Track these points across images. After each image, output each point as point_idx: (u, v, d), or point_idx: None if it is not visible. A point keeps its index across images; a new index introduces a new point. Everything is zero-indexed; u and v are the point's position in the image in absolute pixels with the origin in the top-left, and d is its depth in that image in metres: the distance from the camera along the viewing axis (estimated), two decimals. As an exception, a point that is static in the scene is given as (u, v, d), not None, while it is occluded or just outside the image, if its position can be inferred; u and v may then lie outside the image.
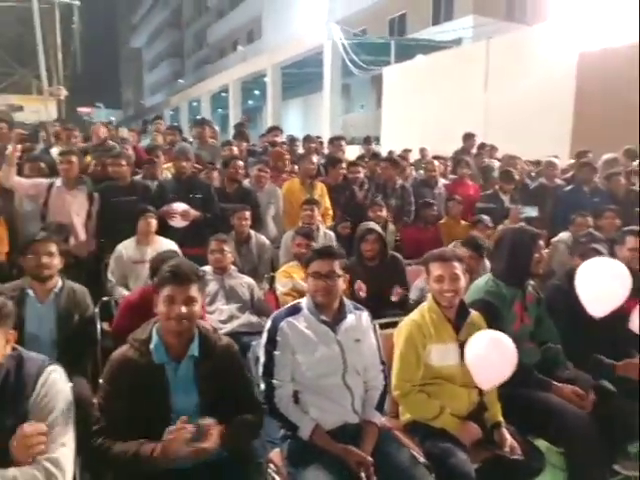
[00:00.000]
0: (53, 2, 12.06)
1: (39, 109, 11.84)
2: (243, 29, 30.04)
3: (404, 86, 12.63)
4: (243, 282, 3.43)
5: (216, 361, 1.91)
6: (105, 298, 3.45)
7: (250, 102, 26.47)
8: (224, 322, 3.19)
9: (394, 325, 2.52)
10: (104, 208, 4.26)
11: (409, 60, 13.13)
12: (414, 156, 8.04)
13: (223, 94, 24.14)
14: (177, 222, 4.13)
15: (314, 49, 16.50)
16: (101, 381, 1.87)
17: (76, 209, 4.13)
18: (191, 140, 6.44)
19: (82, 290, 2.79)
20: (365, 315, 2.25)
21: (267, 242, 4.34)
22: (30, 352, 1.71)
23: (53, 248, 2.66)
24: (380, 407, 2.15)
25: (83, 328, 2.71)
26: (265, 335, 2.13)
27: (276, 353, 2.06)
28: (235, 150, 5.39)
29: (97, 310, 3.15)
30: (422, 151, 7.90)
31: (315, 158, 5.11)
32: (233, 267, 3.53)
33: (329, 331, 2.10)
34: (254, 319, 3.24)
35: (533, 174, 6.70)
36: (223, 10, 32.45)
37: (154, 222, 3.87)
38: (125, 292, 3.65)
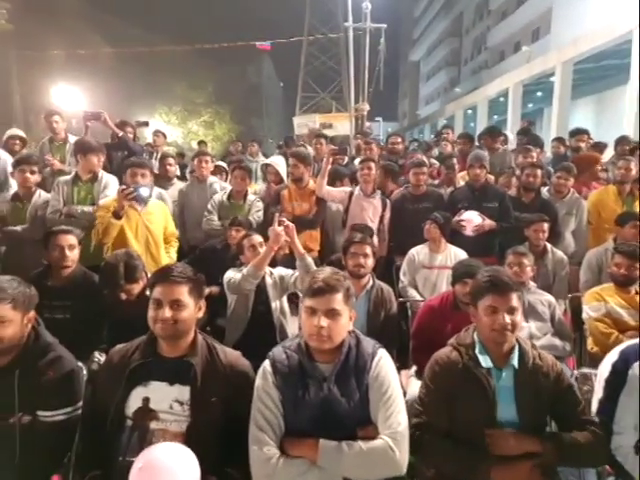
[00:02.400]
0: (364, 28, 13.69)
1: (335, 125, 13.52)
2: (528, 27, 28.22)
3: None
4: (543, 299, 3.15)
5: (534, 376, 1.86)
6: (401, 299, 3.65)
7: (530, 105, 24.69)
8: (523, 340, 3.01)
9: None
10: (398, 214, 4.53)
11: None
12: None
13: (501, 99, 23.19)
14: (468, 231, 4.12)
15: (619, 37, 14.21)
16: (424, 378, 1.99)
17: (371, 215, 4.48)
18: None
19: (388, 289, 3.04)
20: None
21: (565, 258, 3.93)
22: (362, 334, 1.93)
23: (368, 250, 2.98)
24: None
25: (388, 324, 2.94)
26: (609, 369, 1.90)
27: (623, 397, 1.82)
28: (534, 157, 5.05)
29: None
30: None
31: (633, 163, 4.35)
32: (532, 283, 3.29)
33: None
34: (558, 342, 2.94)
35: None
36: (507, 11, 31.19)
37: (437, 230, 3.93)
38: (416, 294, 3.84)
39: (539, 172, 4.41)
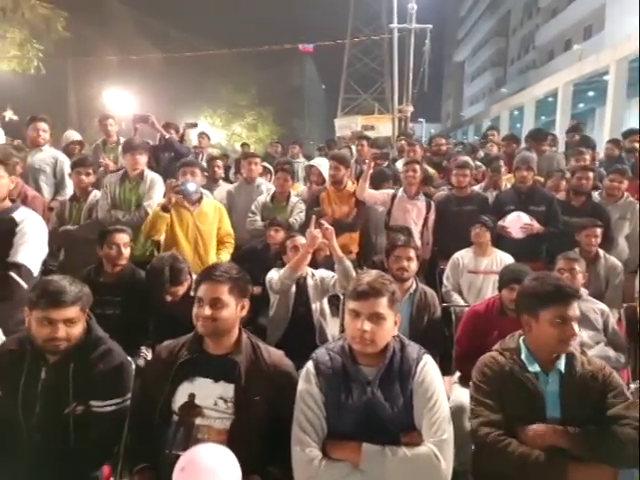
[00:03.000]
0: (409, 29, 13.55)
1: (377, 127, 13.45)
2: (579, 25, 27.15)
3: None
4: (596, 308, 3.03)
5: (582, 380, 1.83)
6: (445, 304, 3.58)
7: (580, 105, 23.75)
8: (573, 349, 2.90)
9: None
10: (442, 216, 4.45)
11: None
12: None
13: (549, 99, 22.44)
14: (516, 231, 3.98)
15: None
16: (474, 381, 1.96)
17: (414, 217, 4.41)
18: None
19: (432, 293, 3.00)
20: None
21: (619, 265, 3.77)
22: (406, 339, 1.91)
23: (412, 253, 2.95)
24: None
25: (431, 329, 2.90)
26: None
27: None
28: (587, 159, 4.85)
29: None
30: None
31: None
32: (584, 290, 3.16)
33: None
34: (612, 353, 2.81)
35: None
36: (557, 8, 30.15)
37: (487, 234, 3.84)
38: (460, 299, 3.76)
39: (591, 175, 4.24)
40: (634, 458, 1.70)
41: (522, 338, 1.95)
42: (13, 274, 2.35)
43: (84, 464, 1.95)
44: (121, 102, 18.93)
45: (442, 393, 1.76)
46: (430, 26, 15.08)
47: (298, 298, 3.14)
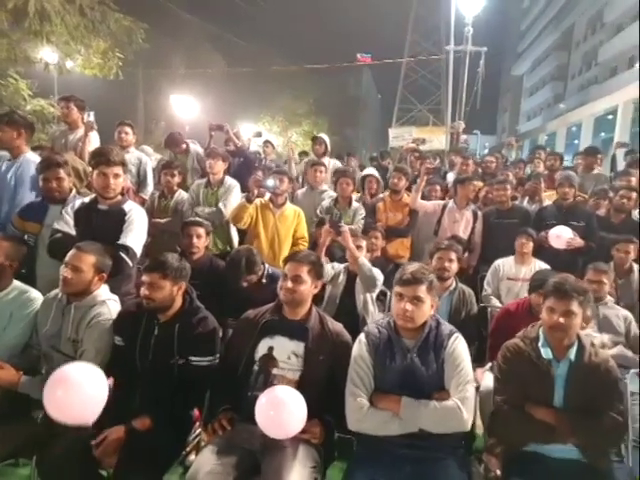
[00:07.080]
0: (465, 51, 13.87)
1: (430, 140, 13.70)
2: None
3: None
4: (619, 314, 3.34)
5: (587, 369, 2.17)
6: (482, 304, 3.95)
7: (643, 123, 23.02)
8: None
9: None
10: (487, 228, 4.82)
11: None
12: None
13: (609, 117, 21.94)
14: (560, 244, 4.26)
15: None
16: (497, 362, 2.38)
17: (462, 227, 4.80)
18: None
19: (470, 292, 3.41)
20: None
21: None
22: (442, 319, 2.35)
23: (453, 255, 3.39)
24: None
25: (467, 323, 3.30)
26: None
27: None
28: (633, 180, 5.03)
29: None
30: None
31: None
32: (610, 298, 3.47)
33: None
34: (629, 354, 3.12)
35: None
36: (622, 24, 29.27)
37: (530, 244, 4.17)
38: (498, 303, 4.11)
39: (634, 195, 4.51)
40: (611, 447, 2.11)
41: (541, 328, 2.31)
42: (122, 254, 2.91)
43: (182, 404, 2.46)
44: (185, 107, 20.17)
45: (468, 362, 2.19)
46: (485, 49, 15.28)
47: (347, 290, 3.58)
